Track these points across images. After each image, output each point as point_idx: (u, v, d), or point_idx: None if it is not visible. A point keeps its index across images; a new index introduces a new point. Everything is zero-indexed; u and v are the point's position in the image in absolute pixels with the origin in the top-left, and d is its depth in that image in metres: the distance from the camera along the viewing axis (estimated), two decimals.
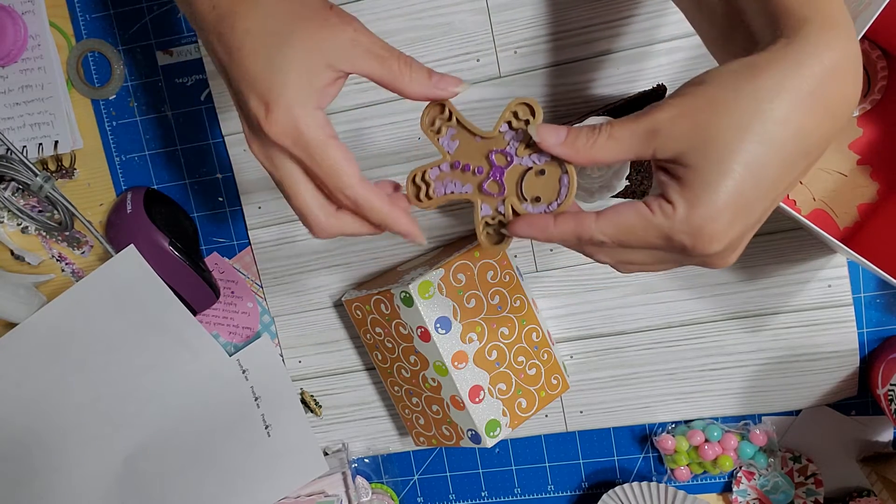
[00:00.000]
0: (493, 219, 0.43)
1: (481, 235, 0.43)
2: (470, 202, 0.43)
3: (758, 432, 0.65)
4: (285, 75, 0.39)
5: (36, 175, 0.66)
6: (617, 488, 0.67)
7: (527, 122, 0.41)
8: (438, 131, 0.43)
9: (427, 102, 0.43)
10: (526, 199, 0.41)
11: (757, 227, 0.36)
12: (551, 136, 0.39)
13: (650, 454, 0.69)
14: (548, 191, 0.41)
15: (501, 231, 0.43)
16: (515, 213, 0.42)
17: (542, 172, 0.41)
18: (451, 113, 0.42)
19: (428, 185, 0.44)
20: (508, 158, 0.42)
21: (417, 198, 0.44)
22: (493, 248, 0.43)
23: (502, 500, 0.72)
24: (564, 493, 0.71)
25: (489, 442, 0.59)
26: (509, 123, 0.41)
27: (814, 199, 0.62)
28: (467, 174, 0.43)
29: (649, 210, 0.36)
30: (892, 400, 0.59)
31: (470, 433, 0.60)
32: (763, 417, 0.67)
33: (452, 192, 0.43)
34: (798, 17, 0.35)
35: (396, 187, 0.46)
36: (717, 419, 0.67)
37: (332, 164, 0.40)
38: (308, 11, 0.40)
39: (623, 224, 0.37)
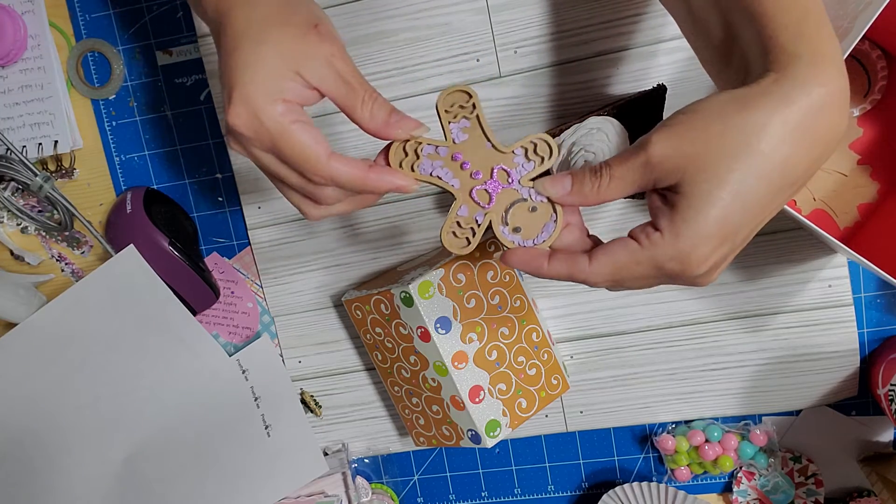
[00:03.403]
0: (465, 223, 0.43)
1: (446, 234, 0.43)
2: (451, 195, 0.43)
3: (758, 432, 0.65)
4: (253, 71, 0.41)
5: (35, 175, 0.66)
6: (617, 488, 0.67)
7: (542, 160, 0.42)
8: (454, 116, 0.43)
9: (449, 85, 0.43)
10: (507, 224, 0.42)
11: (741, 247, 0.38)
12: (557, 189, 0.41)
13: (650, 454, 0.69)
14: (531, 228, 0.42)
15: (467, 238, 0.43)
16: (489, 230, 0.43)
17: (533, 209, 0.42)
18: (474, 106, 0.42)
19: (417, 158, 0.43)
20: (510, 180, 0.42)
21: (400, 165, 0.43)
22: (453, 249, 0.43)
23: (502, 500, 0.72)
24: (565, 494, 0.71)
25: (489, 442, 0.59)
26: (525, 151, 0.42)
27: (814, 199, 0.62)
28: (462, 171, 0.43)
29: (638, 244, 0.38)
30: (892, 400, 0.59)
31: (470, 433, 0.60)
32: (763, 417, 0.67)
33: (439, 178, 0.43)
34: (789, 53, 0.36)
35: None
36: (717, 419, 0.67)
37: (297, 147, 0.41)
38: (292, 22, 0.42)
39: (616, 263, 0.38)
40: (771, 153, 0.35)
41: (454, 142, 0.42)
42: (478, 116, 0.42)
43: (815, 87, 0.35)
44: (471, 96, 0.42)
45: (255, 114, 0.41)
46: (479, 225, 0.42)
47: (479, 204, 0.42)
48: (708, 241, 0.36)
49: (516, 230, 0.42)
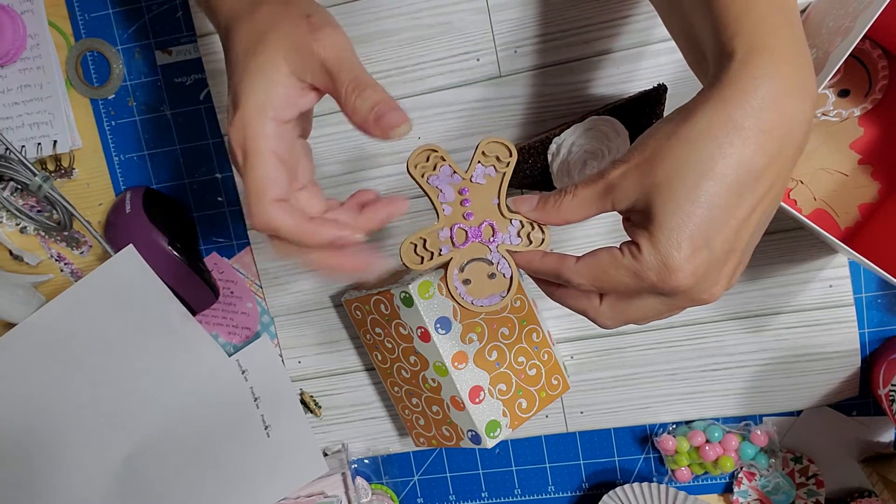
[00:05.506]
0: (430, 245, 0.43)
1: (408, 244, 0.43)
2: (435, 211, 0.44)
3: (759, 433, 0.65)
4: (252, 83, 0.40)
5: (35, 175, 0.66)
6: (617, 489, 0.66)
7: (529, 242, 0.44)
8: (487, 162, 0.44)
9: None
10: (462, 272, 0.43)
11: (733, 255, 0.37)
12: (524, 205, 0.43)
13: (651, 455, 0.69)
14: (479, 288, 0.44)
15: (423, 258, 0.43)
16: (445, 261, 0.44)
17: (492, 275, 0.44)
18: (507, 164, 0.44)
19: (434, 168, 0.44)
20: (491, 240, 0.44)
21: (415, 167, 0.44)
22: (406, 259, 0.43)
23: (503, 500, 0.72)
24: (565, 494, 0.71)
25: (489, 442, 0.59)
26: (521, 226, 0.44)
27: (815, 199, 0.62)
28: (460, 206, 0.44)
29: (620, 252, 0.38)
30: (893, 400, 0.59)
31: (470, 434, 0.60)
32: (764, 418, 0.67)
33: (439, 195, 0.44)
34: (726, 53, 0.36)
35: (371, 200, 0.45)
36: (718, 420, 0.67)
37: (254, 178, 0.40)
38: (285, 18, 0.41)
39: (598, 265, 0.39)
40: (717, 156, 0.35)
41: (471, 179, 0.44)
42: (504, 174, 0.44)
43: (757, 81, 0.34)
44: (511, 155, 0.44)
45: (245, 130, 0.40)
46: (440, 254, 0.43)
47: (452, 239, 0.44)
48: (679, 249, 0.36)
49: (466, 282, 0.43)
